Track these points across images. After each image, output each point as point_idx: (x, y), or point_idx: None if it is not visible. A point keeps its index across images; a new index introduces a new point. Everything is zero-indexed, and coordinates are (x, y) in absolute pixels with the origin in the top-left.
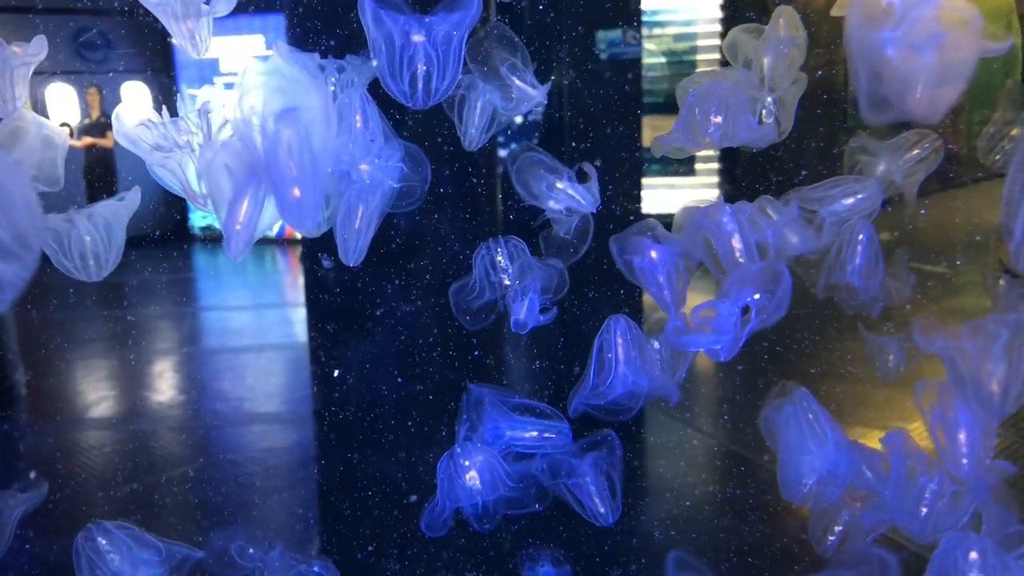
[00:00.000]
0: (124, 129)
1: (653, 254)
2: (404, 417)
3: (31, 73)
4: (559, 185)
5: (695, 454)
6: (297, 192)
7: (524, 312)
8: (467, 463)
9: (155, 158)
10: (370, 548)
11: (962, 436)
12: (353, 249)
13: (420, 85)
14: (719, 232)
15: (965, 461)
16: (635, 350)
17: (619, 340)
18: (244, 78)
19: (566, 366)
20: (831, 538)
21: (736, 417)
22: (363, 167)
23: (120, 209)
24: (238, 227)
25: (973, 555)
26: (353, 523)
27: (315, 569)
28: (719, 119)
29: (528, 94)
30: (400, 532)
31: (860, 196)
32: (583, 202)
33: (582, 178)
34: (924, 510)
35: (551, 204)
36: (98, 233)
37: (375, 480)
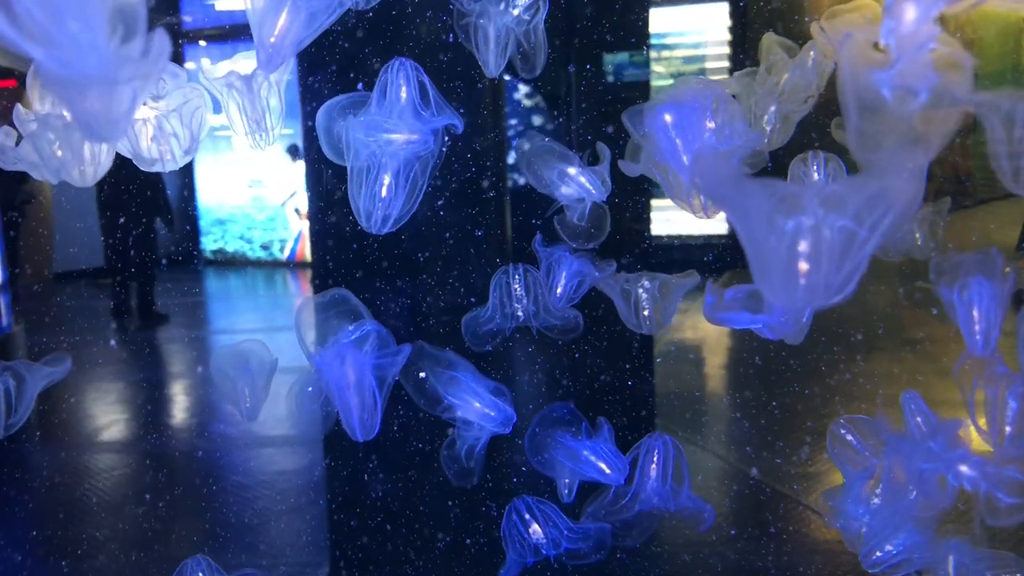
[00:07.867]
0: None
1: (667, 117)
2: (413, 438)
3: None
4: (570, 171)
5: (707, 476)
6: None
7: (564, 282)
8: (527, 516)
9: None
10: (381, 571)
11: (976, 313)
12: (381, 216)
13: None
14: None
15: (979, 338)
16: (668, 474)
17: (654, 461)
18: None
19: (579, 386)
20: (878, 553)
21: (745, 437)
22: (405, 136)
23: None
24: (272, 39)
25: (964, 468)
26: (363, 546)
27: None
28: (712, 124)
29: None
30: (411, 554)
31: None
32: (593, 191)
33: (594, 160)
34: (1008, 428)
35: (563, 190)
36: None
37: (385, 503)
